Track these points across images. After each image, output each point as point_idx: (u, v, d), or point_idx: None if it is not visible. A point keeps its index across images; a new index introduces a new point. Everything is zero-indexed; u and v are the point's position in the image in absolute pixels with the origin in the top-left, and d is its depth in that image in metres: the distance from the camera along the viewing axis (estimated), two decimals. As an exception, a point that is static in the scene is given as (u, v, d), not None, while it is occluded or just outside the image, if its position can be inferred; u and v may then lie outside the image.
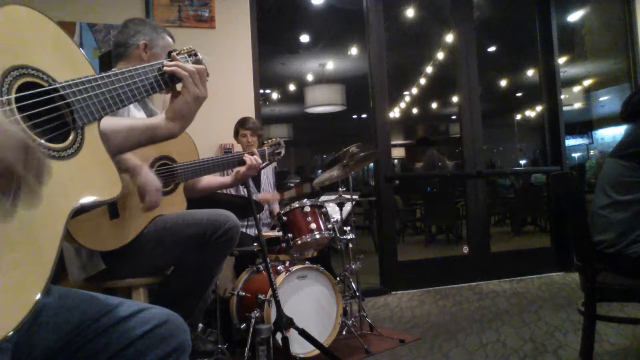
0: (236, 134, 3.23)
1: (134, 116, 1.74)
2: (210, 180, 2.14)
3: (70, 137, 0.74)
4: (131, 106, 1.72)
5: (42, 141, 0.68)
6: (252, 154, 2.03)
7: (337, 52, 6.88)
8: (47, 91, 0.71)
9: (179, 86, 1.07)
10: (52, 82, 0.72)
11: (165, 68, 1.02)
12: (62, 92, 0.73)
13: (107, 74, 0.83)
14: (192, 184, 2.03)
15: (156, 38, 1.83)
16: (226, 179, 2.16)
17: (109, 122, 0.95)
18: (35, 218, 0.62)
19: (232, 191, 3.11)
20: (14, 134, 0.54)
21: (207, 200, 2.26)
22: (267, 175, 3.38)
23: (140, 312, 0.82)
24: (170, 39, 1.88)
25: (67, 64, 0.77)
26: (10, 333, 0.54)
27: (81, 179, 0.73)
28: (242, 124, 3.19)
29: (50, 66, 0.72)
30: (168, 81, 1.03)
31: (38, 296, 0.59)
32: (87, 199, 0.72)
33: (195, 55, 1.13)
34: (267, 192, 3.34)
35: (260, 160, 2.03)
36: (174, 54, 1.08)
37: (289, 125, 9.65)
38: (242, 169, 2.01)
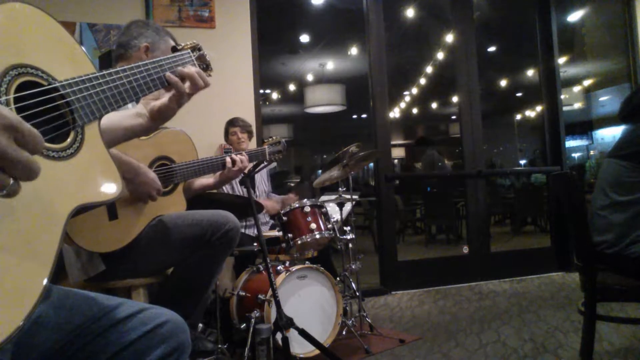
0: (226, 134, 3.22)
1: None
2: (197, 181, 2.13)
3: (70, 137, 0.73)
4: (129, 106, 1.72)
5: None
6: (239, 154, 2.01)
7: (337, 52, 6.88)
8: (47, 90, 0.70)
9: None
10: (51, 81, 0.71)
11: (168, 75, 1.00)
12: (62, 92, 0.72)
13: (107, 71, 0.82)
14: (188, 184, 2.02)
15: (158, 41, 1.82)
16: (209, 180, 2.15)
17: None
18: (33, 218, 0.61)
19: (231, 191, 3.11)
20: (7, 117, 0.51)
21: (207, 200, 2.26)
22: (262, 176, 3.36)
23: (140, 312, 0.82)
24: (173, 43, 1.87)
25: (67, 61, 0.76)
26: (8, 336, 0.54)
27: (81, 179, 0.72)
28: (230, 122, 3.19)
29: (50, 64, 0.71)
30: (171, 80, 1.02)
31: (37, 298, 0.58)
32: (87, 199, 0.71)
33: (199, 50, 1.12)
34: (262, 191, 3.33)
35: (245, 163, 1.99)
36: (179, 69, 1.07)
37: (289, 125, 9.65)
38: (226, 170, 1.98)
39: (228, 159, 1.94)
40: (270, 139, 2.14)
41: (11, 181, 0.52)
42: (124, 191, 0.80)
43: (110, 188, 0.77)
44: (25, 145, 0.52)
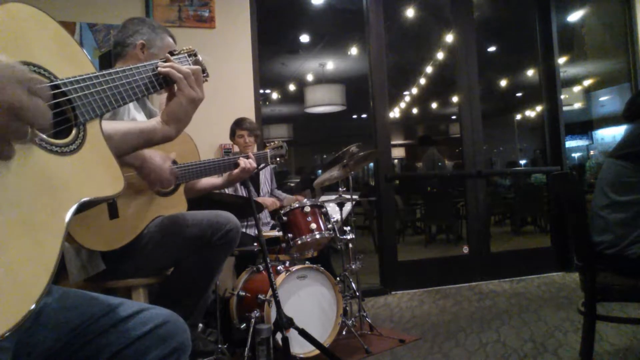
0: (232, 135, 3.21)
1: (134, 116, 1.74)
2: (204, 181, 2.14)
3: (73, 134, 0.74)
4: (130, 105, 1.71)
5: (44, 136, 0.68)
6: (247, 157, 2.02)
7: (337, 52, 6.88)
8: (49, 87, 0.70)
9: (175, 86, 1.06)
10: (53, 79, 0.72)
11: (159, 69, 1.01)
12: (63, 89, 0.73)
13: (107, 71, 0.84)
14: (191, 184, 2.03)
15: (154, 38, 1.82)
16: (217, 180, 2.15)
17: (104, 126, 0.94)
18: (38, 212, 0.62)
19: (232, 191, 3.11)
20: (18, 69, 0.56)
21: (207, 200, 2.26)
22: (266, 176, 3.37)
23: (141, 312, 0.82)
24: (170, 40, 1.87)
25: (68, 61, 0.77)
26: (9, 331, 0.54)
27: (84, 175, 0.73)
28: (238, 124, 3.18)
29: (52, 63, 0.73)
30: (162, 82, 1.01)
31: (40, 294, 0.58)
32: (89, 195, 0.72)
33: (195, 55, 1.13)
34: (265, 192, 3.34)
35: (254, 164, 2.01)
36: (167, 55, 1.07)
37: (289, 125, 9.65)
38: (235, 171, 2.00)
39: (240, 161, 1.97)
40: (272, 143, 2.15)
41: (29, 129, 0.57)
42: (125, 189, 0.81)
43: (112, 184, 0.78)
44: (37, 93, 0.57)
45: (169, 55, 1.07)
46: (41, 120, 0.57)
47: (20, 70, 0.55)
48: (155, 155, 1.58)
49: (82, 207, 0.70)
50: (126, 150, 1.06)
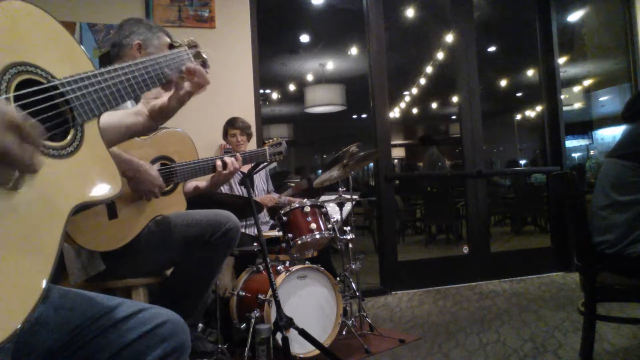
0: (225, 135, 3.21)
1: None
2: (192, 184, 2.12)
3: (70, 135, 0.73)
4: (127, 103, 1.71)
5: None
6: (233, 156, 1.96)
7: (337, 52, 6.88)
8: (46, 89, 0.70)
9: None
10: (50, 79, 0.71)
11: (187, 66, 1.01)
12: (61, 90, 0.72)
13: (106, 69, 0.82)
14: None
15: (151, 38, 1.82)
16: (202, 183, 2.13)
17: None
18: (34, 217, 0.61)
19: (228, 190, 3.10)
20: (3, 112, 0.54)
21: (207, 200, 2.26)
22: (260, 175, 3.35)
23: (140, 312, 0.82)
24: (167, 39, 1.87)
25: (66, 59, 0.76)
26: (10, 335, 0.54)
27: (81, 177, 0.72)
28: (230, 123, 3.17)
29: (49, 62, 0.72)
30: (164, 79, 1.01)
31: (37, 299, 0.58)
32: (87, 197, 0.71)
33: (196, 47, 1.12)
34: (261, 190, 3.33)
35: (237, 166, 1.91)
36: (198, 50, 1.07)
37: (289, 125, 9.65)
38: (223, 172, 1.90)
39: (218, 162, 1.88)
40: (271, 140, 2.14)
41: (16, 174, 0.56)
42: (123, 189, 0.80)
43: (109, 186, 0.77)
44: (29, 140, 0.55)
45: (195, 47, 1.08)
46: (30, 168, 0.57)
47: (11, 115, 0.54)
48: (151, 168, 1.58)
49: (79, 210, 0.69)
50: (113, 144, 1.06)
